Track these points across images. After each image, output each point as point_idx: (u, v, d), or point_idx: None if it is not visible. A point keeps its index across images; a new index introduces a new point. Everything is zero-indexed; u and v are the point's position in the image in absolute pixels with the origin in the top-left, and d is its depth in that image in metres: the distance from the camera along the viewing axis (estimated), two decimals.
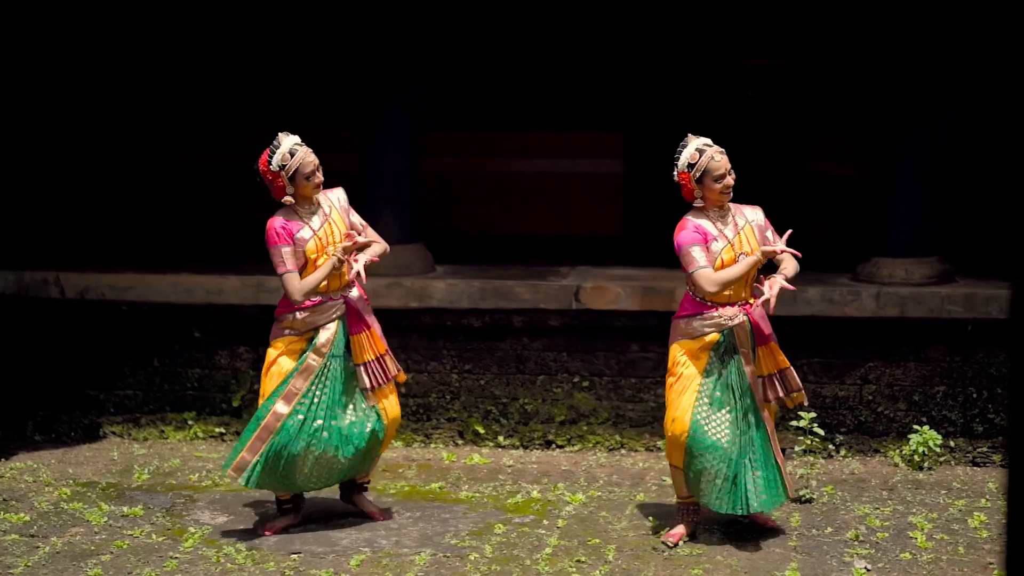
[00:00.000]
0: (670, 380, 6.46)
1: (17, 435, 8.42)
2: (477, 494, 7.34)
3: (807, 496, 7.19)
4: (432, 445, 8.31)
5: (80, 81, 9.85)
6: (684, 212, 6.49)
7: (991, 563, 6.28)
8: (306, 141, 6.50)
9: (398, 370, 6.77)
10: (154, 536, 6.65)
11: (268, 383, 6.57)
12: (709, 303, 6.34)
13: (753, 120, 9.59)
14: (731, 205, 6.44)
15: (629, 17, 9.53)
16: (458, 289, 8.28)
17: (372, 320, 6.68)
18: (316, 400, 6.50)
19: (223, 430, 8.42)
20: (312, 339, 6.54)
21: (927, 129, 8.12)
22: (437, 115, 9.36)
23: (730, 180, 6.34)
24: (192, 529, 6.75)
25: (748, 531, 6.71)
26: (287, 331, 6.54)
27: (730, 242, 6.33)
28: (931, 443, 7.73)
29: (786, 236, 6.44)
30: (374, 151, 8.49)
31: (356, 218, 6.71)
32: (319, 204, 6.55)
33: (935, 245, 8.23)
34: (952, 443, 7.94)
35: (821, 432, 7.48)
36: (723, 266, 6.28)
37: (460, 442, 8.34)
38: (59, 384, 8.54)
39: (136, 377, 8.54)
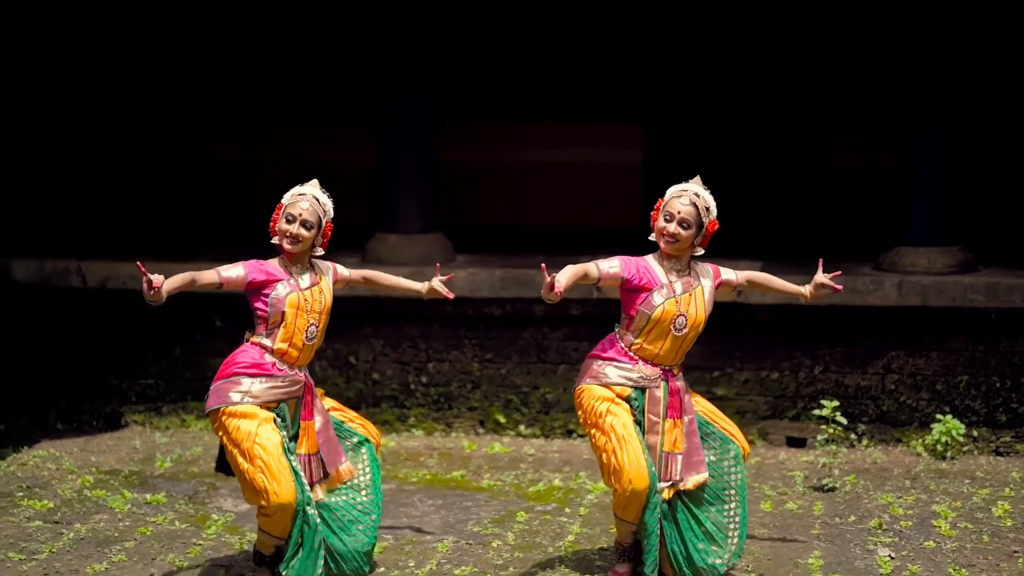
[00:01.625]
0: (599, 437, 5.71)
1: (39, 424, 8.46)
2: (499, 482, 7.34)
3: (830, 485, 7.18)
4: (453, 434, 8.31)
5: (104, 74, 9.86)
6: None
7: (1016, 551, 6.25)
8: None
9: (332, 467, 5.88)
10: (177, 523, 6.67)
11: (265, 466, 5.57)
12: (631, 355, 5.78)
13: (772, 112, 9.56)
14: (698, 265, 5.85)
15: (649, 7, 9.50)
16: (479, 278, 8.28)
17: (318, 413, 5.87)
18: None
19: None
20: (277, 411, 5.74)
21: (945, 118, 8.10)
22: (455, 105, 9.35)
23: (671, 228, 5.67)
24: (215, 516, 6.76)
25: (770, 519, 6.70)
26: (245, 399, 5.64)
27: (676, 297, 5.72)
28: (954, 432, 7.71)
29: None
30: (392, 142, 8.49)
31: (343, 271, 6.03)
32: (312, 267, 5.86)
33: (957, 234, 8.21)
34: (975, 432, 7.92)
35: (843, 421, 7.45)
36: (661, 317, 5.69)
37: (481, 431, 8.34)
38: (81, 373, 8.57)
39: (158, 366, 8.56)
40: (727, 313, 7.98)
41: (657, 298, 5.72)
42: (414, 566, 6.09)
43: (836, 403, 7.45)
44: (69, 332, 8.58)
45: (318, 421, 5.85)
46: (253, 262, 5.78)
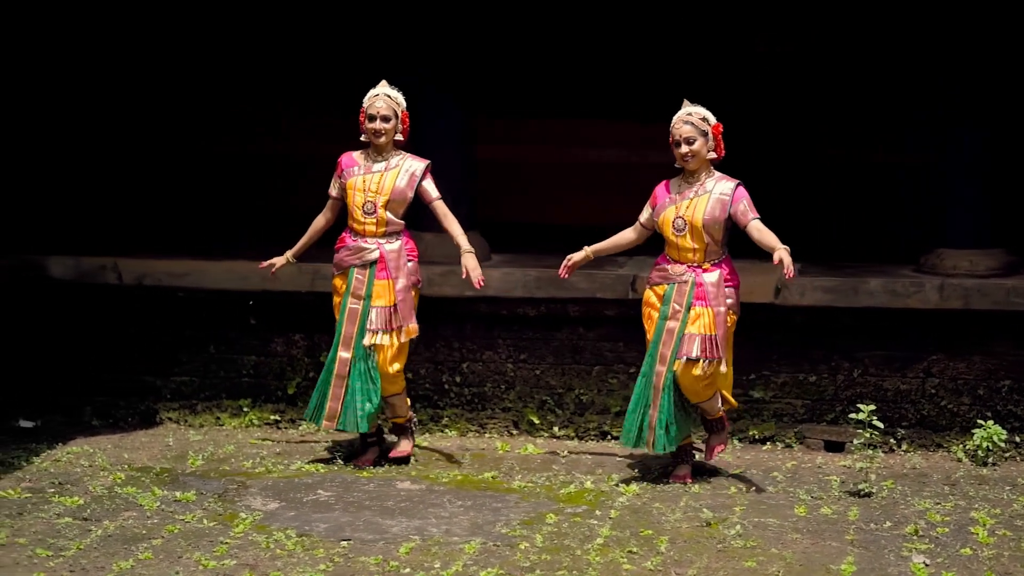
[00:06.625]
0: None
1: (75, 420, 8.48)
2: (530, 484, 7.27)
3: (866, 490, 7.06)
4: (487, 435, 8.26)
5: (136, 70, 9.89)
6: None
7: None
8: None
9: (403, 323, 7.29)
10: (205, 521, 6.65)
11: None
12: (667, 258, 7.07)
13: (794, 109, 9.43)
14: (717, 174, 6.97)
15: (671, 6, 9.43)
16: (513, 278, 8.22)
17: (400, 275, 7.26)
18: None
19: (278, 417, 8.43)
20: (349, 279, 7.30)
21: (984, 117, 7.93)
22: (492, 103, 9.28)
23: (682, 150, 6.88)
24: (243, 515, 6.74)
25: (804, 524, 6.59)
26: (334, 269, 7.42)
27: (675, 205, 6.97)
28: (995, 438, 7.57)
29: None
30: (426, 139, 8.41)
31: (429, 187, 7.38)
32: (393, 156, 7.32)
33: (1000, 236, 8.06)
34: (1017, 438, 7.77)
35: (880, 425, 7.31)
36: (662, 222, 7.01)
37: (515, 432, 8.28)
38: (116, 370, 8.58)
39: (192, 363, 8.56)
40: (764, 315, 7.89)
41: (661, 209, 7.01)
42: (439, 567, 6.03)
43: (873, 406, 7.31)
44: (105, 329, 8.60)
45: (399, 282, 7.26)
46: (338, 167, 7.37)
